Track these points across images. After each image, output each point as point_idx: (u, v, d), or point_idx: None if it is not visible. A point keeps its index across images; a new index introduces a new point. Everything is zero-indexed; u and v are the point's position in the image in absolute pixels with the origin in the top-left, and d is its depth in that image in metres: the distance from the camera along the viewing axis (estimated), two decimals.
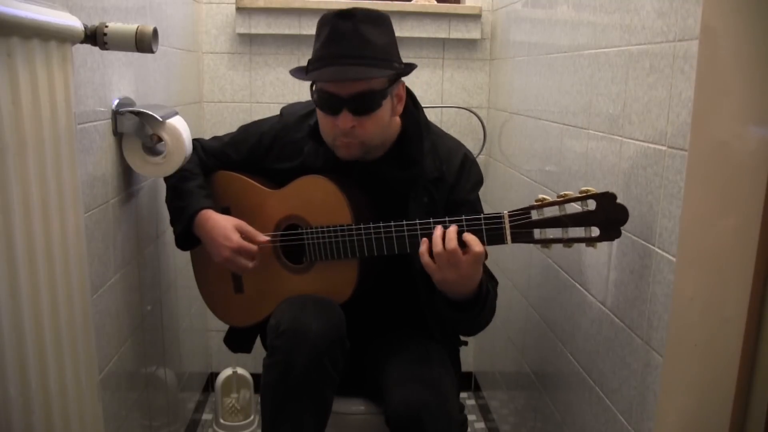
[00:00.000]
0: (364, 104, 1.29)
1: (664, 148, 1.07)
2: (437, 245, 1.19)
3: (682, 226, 1.01)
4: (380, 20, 1.31)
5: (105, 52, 1.21)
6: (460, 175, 1.42)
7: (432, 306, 1.50)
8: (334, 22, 1.28)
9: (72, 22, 0.95)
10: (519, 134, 1.96)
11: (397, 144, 1.43)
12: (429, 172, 1.39)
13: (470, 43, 2.33)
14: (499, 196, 2.16)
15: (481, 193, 1.49)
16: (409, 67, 1.36)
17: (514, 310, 1.94)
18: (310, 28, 2.23)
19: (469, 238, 1.19)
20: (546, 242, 1.17)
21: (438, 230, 1.21)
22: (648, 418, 1.12)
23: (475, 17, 2.28)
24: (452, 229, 1.19)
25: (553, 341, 1.60)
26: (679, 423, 1.02)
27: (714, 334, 0.97)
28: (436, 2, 2.31)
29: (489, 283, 1.35)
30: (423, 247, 1.22)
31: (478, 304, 1.30)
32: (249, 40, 2.29)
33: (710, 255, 0.96)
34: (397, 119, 1.42)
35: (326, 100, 1.30)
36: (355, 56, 1.27)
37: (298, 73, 1.36)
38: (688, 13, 1.01)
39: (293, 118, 1.49)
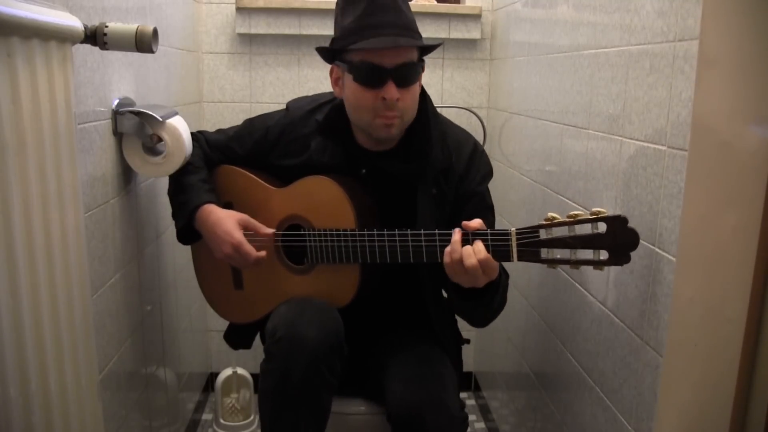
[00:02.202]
0: (408, 75, 1.28)
1: (664, 148, 1.07)
2: (456, 252, 1.18)
3: (683, 226, 1.00)
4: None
5: (105, 52, 1.21)
6: (470, 166, 1.41)
7: (438, 307, 1.50)
8: None
9: (72, 22, 0.95)
10: (519, 134, 1.96)
11: (406, 135, 1.41)
12: (438, 162, 1.38)
13: (470, 43, 2.33)
14: (499, 196, 2.16)
15: None
16: (438, 45, 1.36)
17: (514, 310, 1.94)
18: (310, 28, 2.23)
19: (483, 256, 1.16)
20: (552, 262, 1.15)
21: (456, 234, 1.19)
22: (648, 418, 1.12)
23: (475, 17, 2.28)
24: (469, 249, 1.18)
25: (553, 341, 1.60)
26: (679, 423, 1.02)
27: (714, 334, 0.96)
28: (436, 2, 2.31)
29: (503, 274, 1.34)
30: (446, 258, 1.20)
31: (490, 290, 1.27)
32: (249, 40, 2.29)
33: (710, 255, 0.96)
34: None
35: (370, 72, 1.27)
36: (399, 26, 1.27)
37: (326, 51, 1.35)
38: (688, 13, 1.01)
39: (300, 113, 1.47)
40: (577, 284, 1.45)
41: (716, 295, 0.96)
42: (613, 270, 1.26)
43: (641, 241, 1.15)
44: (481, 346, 2.45)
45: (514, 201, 1.99)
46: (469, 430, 1.86)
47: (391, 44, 1.25)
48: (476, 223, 1.20)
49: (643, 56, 1.15)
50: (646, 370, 1.13)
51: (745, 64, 0.90)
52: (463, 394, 2.47)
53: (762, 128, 0.89)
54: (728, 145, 0.93)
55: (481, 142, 2.29)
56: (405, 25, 1.29)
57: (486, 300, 1.29)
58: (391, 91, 1.26)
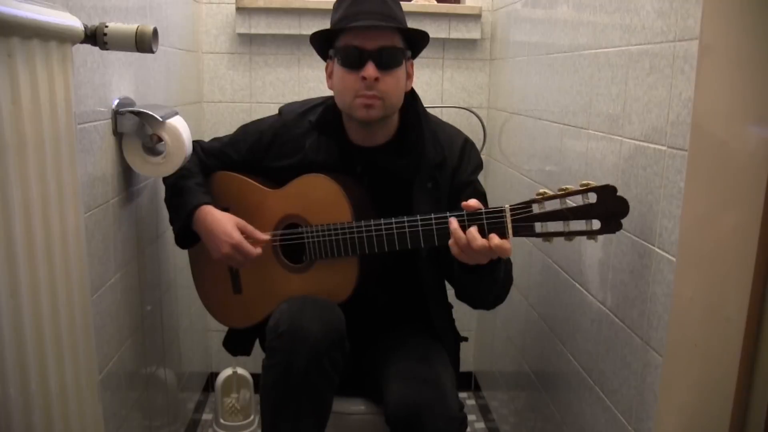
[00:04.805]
0: (388, 58, 1.34)
1: (664, 148, 1.07)
2: (461, 239, 1.18)
3: (682, 226, 1.00)
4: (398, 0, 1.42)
5: (105, 52, 1.21)
6: (462, 158, 1.45)
7: (437, 302, 1.50)
8: None
9: (72, 22, 0.95)
10: (519, 134, 1.96)
11: (398, 133, 1.45)
12: (431, 158, 1.42)
13: (470, 43, 2.33)
14: (499, 196, 2.16)
15: None
16: (423, 34, 1.41)
17: (514, 309, 1.94)
18: (310, 27, 2.23)
19: (497, 242, 1.17)
20: (547, 236, 1.17)
21: (453, 222, 1.20)
22: (648, 418, 1.12)
23: (475, 17, 2.28)
24: (473, 230, 1.18)
25: (553, 341, 1.60)
26: (679, 423, 1.02)
27: (714, 334, 0.96)
28: (436, 2, 2.31)
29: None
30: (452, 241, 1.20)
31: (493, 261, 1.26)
32: (249, 40, 2.29)
33: (710, 255, 0.96)
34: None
35: (351, 54, 1.34)
36: (382, 14, 1.34)
37: (319, 43, 1.42)
38: (688, 13, 1.01)
39: (292, 116, 1.50)
40: (577, 284, 1.45)
41: (716, 295, 0.96)
42: (613, 270, 1.26)
43: (642, 241, 1.15)
44: (481, 346, 2.45)
45: (514, 201, 1.99)
46: (468, 430, 1.86)
47: (371, 23, 1.32)
48: (474, 202, 1.21)
49: (643, 56, 1.15)
50: (646, 370, 1.13)
51: (745, 64, 0.90)
52: (463, 394, 2.47)
53: (762, 128, 0.89)
54: (728, 145, 0.93)
55: (482, 142, 2.29)
56: (387, 13, 1.35)
57: (489, 269, 1.28)
58: (370, 70, 1.32)
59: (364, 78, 1.32)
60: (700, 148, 0.97)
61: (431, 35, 2.39)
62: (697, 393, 1.00)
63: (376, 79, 1.32)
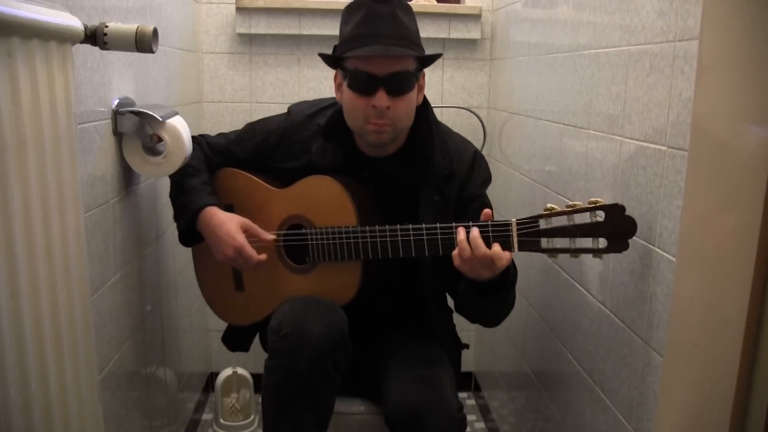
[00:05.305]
0: (400, 84, 1.30)
1: (664, 148, 1.08)
2: (466, 251, 1.18)
3: (682, 226, 1.00)
4: (411, 10, 1.35)
5: (105, 52, 1.21)
6: (471, 171, 1.43)
7: (439, 309, 1.50)
8: (370, 6, 1.29)
9: (72, 22, 0.95)
10: (519, 134, 1.96)
11: (408, 141, 1.43)
12: (440, 169, 1.40)
13: (470, 43, 2.33)
14: (499, 196, 2.16)
15: None
16: (437, 55, 1.37)
17: (514, 310, 1.93)
18: (310, 28, 2.23)
19: (496, 250, 1.17)
20: (553, 251, 1.16)
21: (461, 233, 1.20)
22: (648, 418, 1.12)
23: (475, 17, 2.28)
24: (475, 234, 1.18)
25: (553, 341, 1.60)
26: (679, 423, 1.02)
27: (714, 334, 0.96)
28: (436, 2, 2.31)
29: (512, 266, 1.34)
30: (455, 252, 1.21)
31: (506, 283, 1.28)
32: (249, 40, 2.29)
33: (710, 255, 0.96)
34: None
35: (362, 80, 1.29)
36: (394, 36, 1.29)
37: (328, 57, 1.37)
38: (688, 13, 1.01)
39: (301, 117, 1.49)
40: (577, 284, 1.45)
41: (716, 295, 0.96)
42: (613, 270, 1.26)
43: (642, 241, 1.15)
44: (481, 346, 2.45)
45: (514, 201, 1.99)
46: (468, 430, 1.86)
47: (381, 53, 1.27)
48: (488, 211, 1.23)
49: (643, 56, 1.15)
50: (646, 370, 1.13)
51: (744, 65, 0.90)
52: (462, 394, 2.47)
53: (761, 128, 0.89)
54: (728, 145, 0.93)
55: (482, 142, 2.29)
56: (402, 35, 1.30)
57: (503, 294, 1.30)
58: (381, 99, 1.28)
59: (374, 106, 1.29)
60: (700, 148, 0.97)
61: (431, 35, 2.39)
62: (697, 393, 1.00)
63: (388, 107, 1.29)
